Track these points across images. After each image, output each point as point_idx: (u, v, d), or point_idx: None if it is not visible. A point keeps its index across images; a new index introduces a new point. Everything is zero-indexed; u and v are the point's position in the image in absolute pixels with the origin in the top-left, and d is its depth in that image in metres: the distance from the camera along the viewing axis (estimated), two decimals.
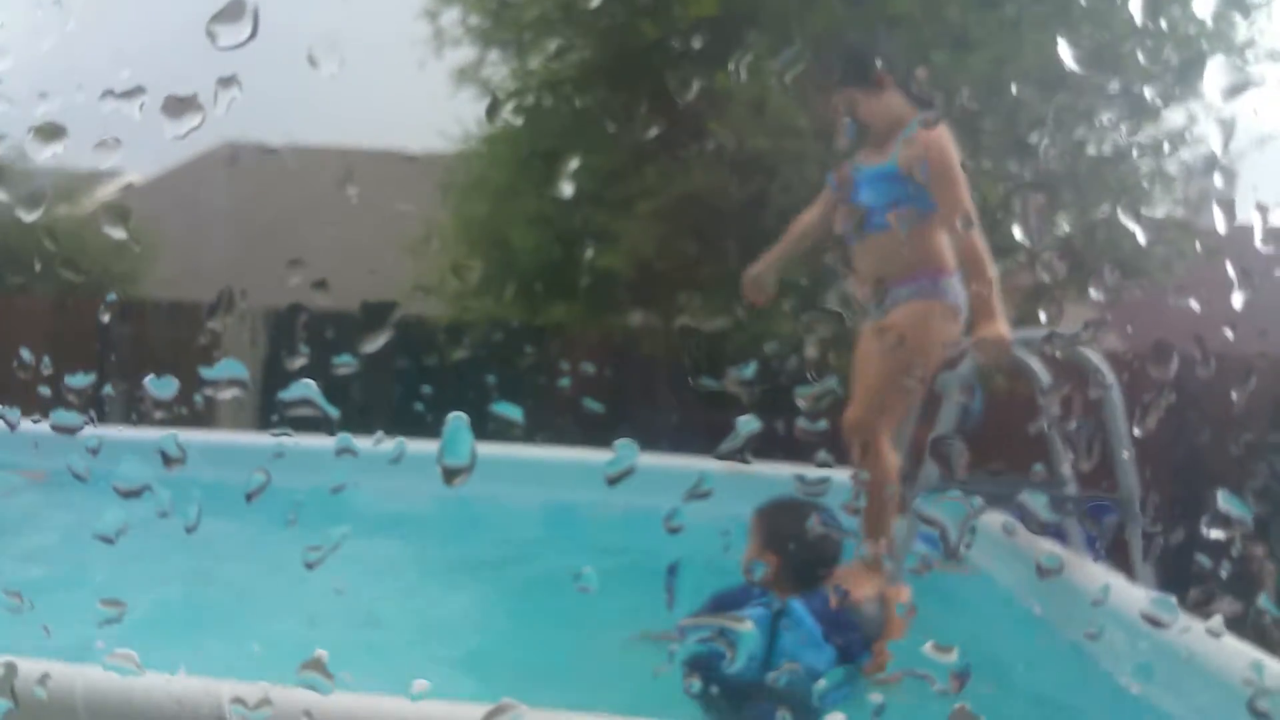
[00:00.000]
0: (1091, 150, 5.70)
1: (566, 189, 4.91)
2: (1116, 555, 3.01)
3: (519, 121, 6.79)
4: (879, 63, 2.95)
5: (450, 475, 0.73)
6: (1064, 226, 5.81)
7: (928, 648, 1.04)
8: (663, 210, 6.02)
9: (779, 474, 2.35)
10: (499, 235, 6.96)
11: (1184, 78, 5.70)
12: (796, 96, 5.45)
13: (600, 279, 6.62)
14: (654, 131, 6.25)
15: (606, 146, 6.30)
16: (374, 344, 0.86)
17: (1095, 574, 2.77)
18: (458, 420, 0.73)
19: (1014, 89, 5.25)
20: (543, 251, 6.63)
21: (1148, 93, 5.69)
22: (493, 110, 6.70)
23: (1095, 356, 3.01)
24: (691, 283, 6.88)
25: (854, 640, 2.29)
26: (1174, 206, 5.76)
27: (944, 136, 2.91)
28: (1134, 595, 2.40)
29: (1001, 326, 2.73)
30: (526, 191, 6.64)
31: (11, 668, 1.36)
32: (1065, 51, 4.96)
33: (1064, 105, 5.49)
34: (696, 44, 6.45)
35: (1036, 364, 3.11)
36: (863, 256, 3.01)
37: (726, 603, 2.35)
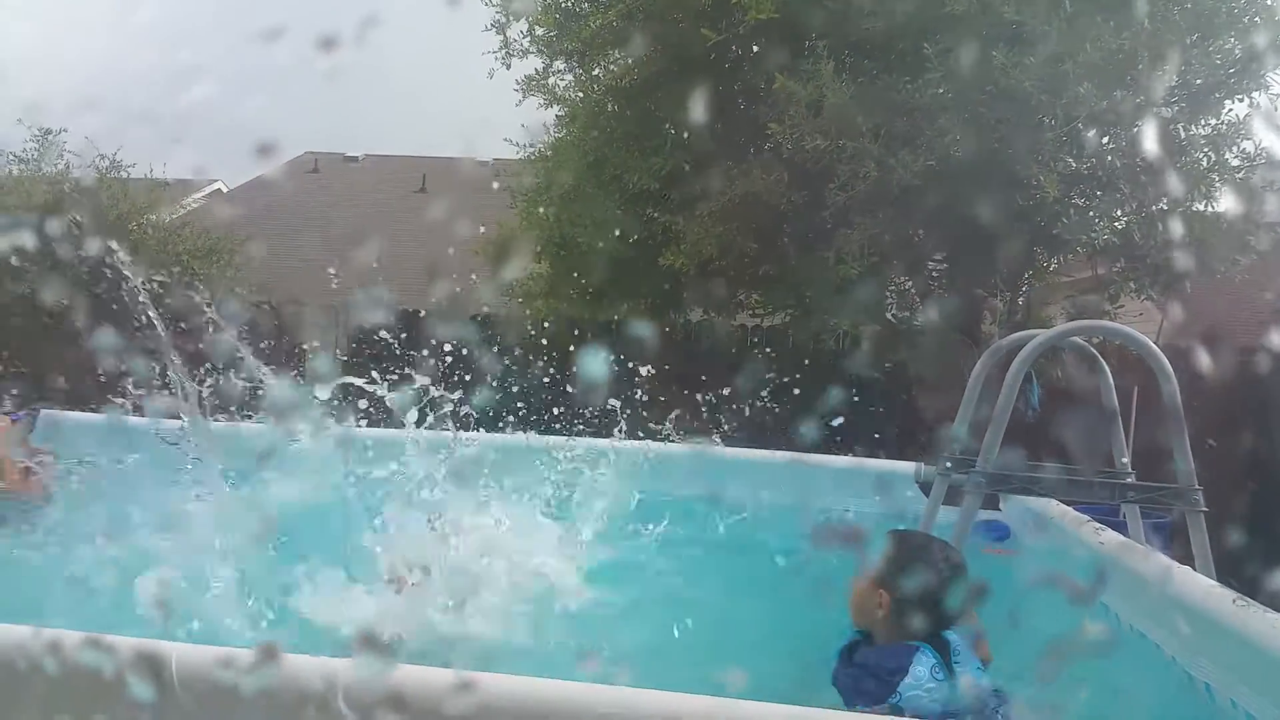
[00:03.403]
0: (1150, 144, 5.66)
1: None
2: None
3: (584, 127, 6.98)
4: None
5: (589, 390, 0.96)
6: (1122, 220, 5.80)
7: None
8: (724, 210, 6.16)
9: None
10: (566, 236, 7.20)
11: (1246, 69, 5.64)
12: (854, 97, 5.54)
13: (664, 276, 6.81)
14: (715, 134, 6.38)
15: (669, 149, 6.47)
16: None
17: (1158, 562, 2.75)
18: (592, 348, 0.98)
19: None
20: (608, 251, 6.85)
21: (1208, 85, 5.65)
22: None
23: (1156, 351, 3.01)
24: (752, 280, 7.02)
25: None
26: (1235, 199, 5.69)
27: None
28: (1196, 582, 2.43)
29: None
30: (592, 194, 6.87)
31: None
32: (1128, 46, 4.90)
33: (1123, 100, 5.48)
34: (755, 48, 6.59)
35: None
36: None
37: (875, 662, 2.08)
